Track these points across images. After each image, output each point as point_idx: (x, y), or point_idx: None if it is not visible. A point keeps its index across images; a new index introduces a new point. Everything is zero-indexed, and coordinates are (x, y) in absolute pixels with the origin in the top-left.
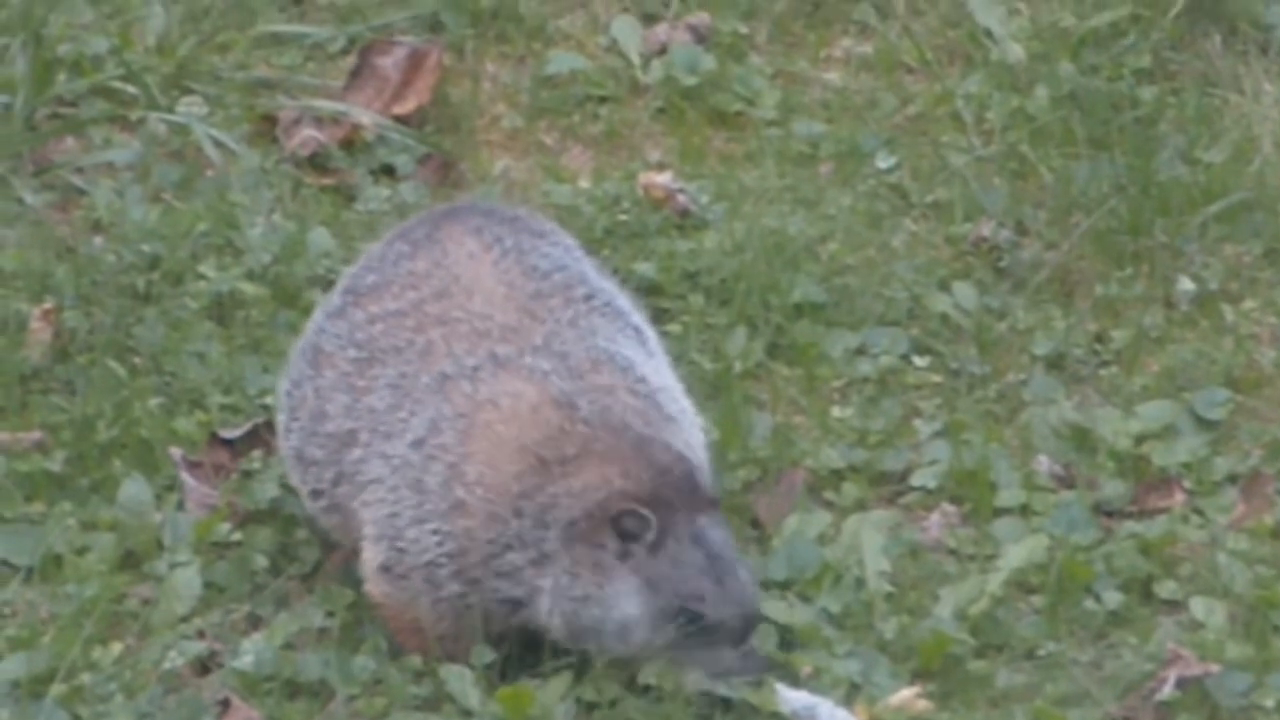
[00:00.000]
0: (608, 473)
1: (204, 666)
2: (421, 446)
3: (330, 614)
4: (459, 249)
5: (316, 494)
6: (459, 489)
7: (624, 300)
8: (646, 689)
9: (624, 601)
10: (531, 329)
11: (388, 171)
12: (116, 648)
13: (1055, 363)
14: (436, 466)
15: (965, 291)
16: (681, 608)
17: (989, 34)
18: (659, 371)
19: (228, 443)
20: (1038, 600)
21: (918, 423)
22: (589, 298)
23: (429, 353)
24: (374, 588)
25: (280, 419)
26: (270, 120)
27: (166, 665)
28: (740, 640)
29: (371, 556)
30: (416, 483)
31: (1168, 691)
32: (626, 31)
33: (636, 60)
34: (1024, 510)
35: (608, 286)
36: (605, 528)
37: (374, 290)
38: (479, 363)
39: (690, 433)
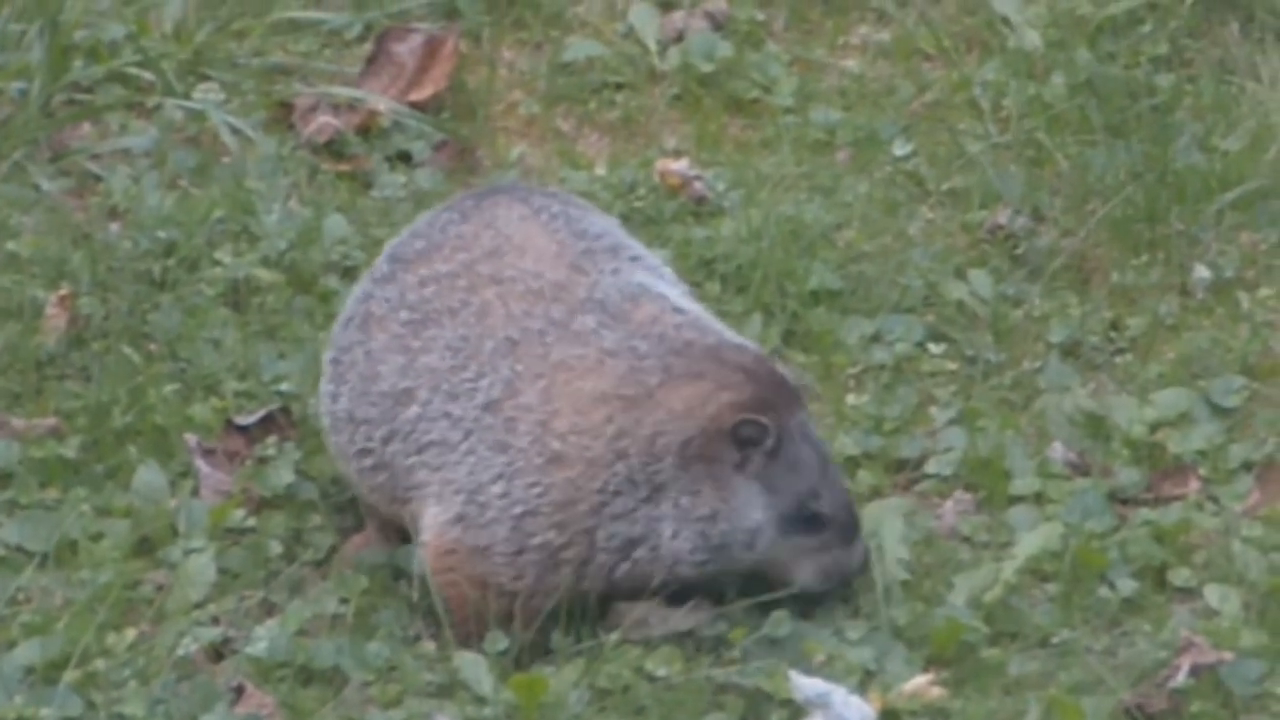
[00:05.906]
0: (703, 389)
1: (218, 653)
2: (499, 409)
3: (344, 600)
4: (509, 213)
5: (364, 453)
6: (553, 442)
7: (667, 270)
8: (659, 676)
9: (750, 510)
10: (577, 284)
11: (404, 158)
12: (130, 634)
13: (1071, 350)
14: (522, 426)
15: (981, 279)
16: (801, 505)
17: (1006, 21)
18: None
19: (242, 429)
20: (1052, 588)
21: (933, 410)
22: (635, 259)
23: (486, 313)
24: (440, 539)
25: (324, 388)
26: (287, 107)
27: (180, 651)
28: (848, 536)
29: (440, 511)
30: (500, 443)
31: (1181, 679)
32: (644, 18)
33: (653, 47)
34: (1038, 498)
35: (654, 258)
36: (723, 440)
37: (423, 255)
38: (542, 327)
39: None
